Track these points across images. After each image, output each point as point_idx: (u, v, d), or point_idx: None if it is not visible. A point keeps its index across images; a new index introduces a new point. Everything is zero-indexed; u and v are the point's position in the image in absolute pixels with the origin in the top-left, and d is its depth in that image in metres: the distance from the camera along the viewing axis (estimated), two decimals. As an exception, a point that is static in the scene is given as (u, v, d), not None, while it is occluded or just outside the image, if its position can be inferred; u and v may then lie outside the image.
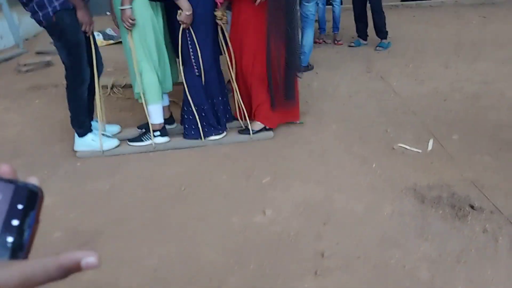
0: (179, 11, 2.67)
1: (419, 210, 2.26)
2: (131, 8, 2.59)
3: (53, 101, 3.90)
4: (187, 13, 2.65)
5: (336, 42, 5.73)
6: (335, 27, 5.70)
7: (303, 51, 4.52)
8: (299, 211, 2.29)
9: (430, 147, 2.90)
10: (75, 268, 0.38)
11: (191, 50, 2.81)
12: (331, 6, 5.71)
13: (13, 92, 4.20)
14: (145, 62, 2.76)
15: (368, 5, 5.31)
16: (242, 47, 2.95)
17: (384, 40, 5.37)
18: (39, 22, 2.63)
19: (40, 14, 2.57)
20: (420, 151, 2.86)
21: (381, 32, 5.38)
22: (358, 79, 4.34)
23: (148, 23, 2.67)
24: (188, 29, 2.74)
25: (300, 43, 3.74)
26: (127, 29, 2.64)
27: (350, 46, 5.57)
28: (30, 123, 3.51)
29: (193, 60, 2.84)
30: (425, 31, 6.13)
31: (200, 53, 2.81)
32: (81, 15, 2.64)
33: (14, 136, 3.30)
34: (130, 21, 2.61)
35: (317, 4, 4.60)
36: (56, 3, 2.55)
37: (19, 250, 0.39)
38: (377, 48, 5.33)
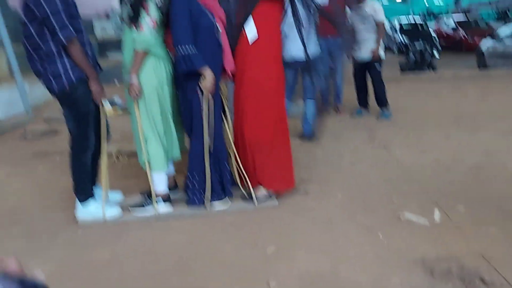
0: (202, 80, 2.74)
1: (428, 283, 2.17)
2: (138, 79, 2.69)
3: (57, 168, 3.92)
4: (210, 79, 2.74)
5: (339, 112, 5.83)
6: (337, 97, 5.82)
7: (306, 119, 4.65)
8: (304, 283, 2.21)
9: (436, 217, 2.86)
10: None
11: (206, 117, 2.86)
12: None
13: (17, 158, 4.24)
14: (150, 131, 2.82)
15: (369, 76, 5.52)
16: (243, 112, 3.01)
17: (385, 109, 5.49)
18: (52, 91, 2.71)
19: (54, 83, 2.65)
20: (427, 221, 2.81)
21: (382, 102, 5.53)
22: (361, 148, 4.39)
23: (153, 93, 2.76)
24: (207, 96, 2.82)
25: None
26: (134, 98, 2.73)
27: (352, 116, 5.70)
28: (31, 190, 3.51)
29: (207, 127, 2.88)
30: (425, 102, 6.29)
31: (215, 120, 2.88)
32: (94, 85, 2.73)
33: (14, 202, 3.28)
34: (137, 92, 2.70)
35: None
36: (71, 74, 2.64)
37: None
38: (380, 117, 5.45)
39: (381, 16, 5.30)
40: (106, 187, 3.02)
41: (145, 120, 2.80)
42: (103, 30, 10.82)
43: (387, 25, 20.28)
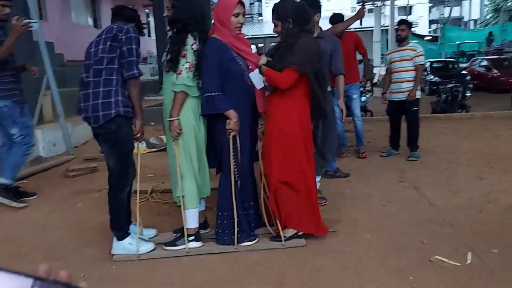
0: (227, 121, 2.90)
1: (461, 329, 2.13)
2: (178, 119, 2.86)
3: (95, 205, 4.09)
4: (235, 120, 2.89)
5: (360, 155, 5.66)
6: (359, 141, 5.72)
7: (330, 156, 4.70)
8: (332, 326, 2.21)
9: (469, 261, 2.80)
10: None
11: (233, 156, 2.98)
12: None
13: (58, 196, 4.45)
14: (186, 168, 2.96)
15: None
16: (270, 154, 3.10)
17: (415, 150, 5.47)
18: (96, 122, 2.84)
19: (101, 114, 2.82)
20: (458, 264, 2.76)
21: (414, 143, 5.50)
22: (391, 189, 4.37)
23: (191, 132, 2.92)
24: (234, 136, 2.95)
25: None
26: (174, 138, 2.89)
27: (381, 156, 5.68)
28: (70, 227, 3.66)
29: (234, 166, 3.00)
30: (456, 143, 6.23)
31: (241, 159, 2.99)
32: (140, 124, 2.94)
33: (54, 238, 3.43)
34: (177, 131, 2.86)
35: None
36: (121, 108, 2.84)
37: None
38: (410, 158, 5.41)
39: (421, 59, 5.34)
40: (140, 224, 3.13)
41: (182, 157, 2.95)
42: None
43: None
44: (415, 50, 5.31)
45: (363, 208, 3.84)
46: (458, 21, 37.06)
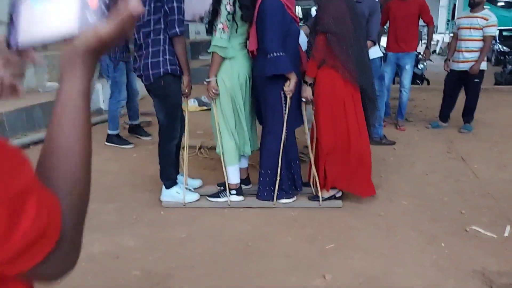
0: (287, 82, 2.97)
1: (485, 295, 2.18)
2: (215, 79, 2.99)
3: (149, 156, 4.38)
4: (295, 81, 2.96)
5: (398, 127, 5.43)
6: (400, 114, 5.49)
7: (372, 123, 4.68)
8: (358, 281, 2.33)
9: (506, 233, 2.80)
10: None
11: (285, 116, 3.07)
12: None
13: (117, 147, 4.79)
14: (224, 128, 3.12)
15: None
16: (319, 119, 3.16)
17: (469, 123, 5.29)
18: (147, 80, 3.04)
19: (151, 73, 3.01)
20: (495, 236, 2.77)
21: (469, 116, 5.28)
22: (437, 158, 4.32)
23: (225, 94, 3.03)
24: (286, 97, 3.04)
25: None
26: (210, 98, 3.03)
27: (426, 127, 5.48)
28: (125, 174, 3.98)
29: (284, 126, 3.09)
30: (515, 117, 5.94)
31: (289, 119, 3.09)
32: (187, 80, 3.09)
33: (110, 182, 3.75)
34: (214, 91, 3.00)
35: (381, 80, 4.73)
36: (168, 67, 2.99)
37: (107, 11, 0.57)
38: (462, 130, 5.24)
39: (492, 30, 4.99)
40: (186, 175, 3.36)
41: (220, 117, 3.10)
42: (197, 33, 11.54)
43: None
44: (487, 19, 4.89)
45: (404, 176, 3.86)
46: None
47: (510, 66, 9.41)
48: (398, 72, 5.40)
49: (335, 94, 3.08)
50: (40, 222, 0.48)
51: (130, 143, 4.83)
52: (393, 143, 4.80)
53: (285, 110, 3.08)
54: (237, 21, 2.93)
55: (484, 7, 5.08)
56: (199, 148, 4.59)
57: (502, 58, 12.48)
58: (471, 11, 5.05)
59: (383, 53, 4.99)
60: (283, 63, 2.92)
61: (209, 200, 3.30)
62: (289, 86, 2.98)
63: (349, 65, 3.00)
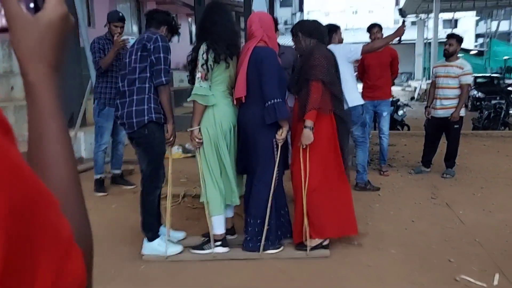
0: (280, 131, 2.99)
1: None
2: (198, 128, 2.98)
3: (129, 206, 4.26)
4: (287, 128, 2.99)
5: (382, 173, 5.43)
6: (382, 159, 5.52)
7: (356, 169, 4.81)
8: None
9: (496, 282, 2.74)
10: None
11: (276, 164, 3.06)
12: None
13: (96, 196, 4.66)
14: (208, 176, 3.07)
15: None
16: (303, 162, 3.15)
17: (451, 168, 5.34)
18: (130, 127, 3.02)
19: (135, 121, 2.99)
20: (485, 285, 2.71)
21: (452, 161, 5.32)
22: (422, 205, 4.31)
23: (208, 143, 3.02)
24: (277, 145, 3.04)
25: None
26: (194, 146, 3.01)
27: (409, 173, 5.47)
28: (105, 225, 3.83)
29: (275, 174, 3.06)
30: (496, 162, 6.03)
31: (278, 167, 3.07)
32: (171, 129, 3.08)
33: (90, 235, 3.60)
34: (197, 140, 2.99)
35: (364, 127, 4.82)
36: (153, 115, 2.98)
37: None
38: (444, 175, 5.27)
39: (468, 78, 5.16)
40: (169, 226, 3.25)
41: (204, 165, 3.07)
42: (181, 81, 11.68)
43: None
44: (462, 68, 5.06)
45: (391, 223, 3.81)
46: (507, 36, 35.70)
47: (486, 112, 9.70)
48: (376, 119, 5.51)
49: (325, 137, 3.12)
50: (81, 277, 0.43)
51: (103, 192, 4.75)
52: (378, 189, 4.80)
53: (277, 158, 3.06)
54: (215, 69, 2.96)
55: (458, 56, 5.29)
56: (183, 197, 4.49)
57: (478, 104, 12.88)
58: (447, 60, 5.24)
59: None
60: (283, 109, 2.96)
61: (193, 253, 3.18)
62: (282, 135, 2.99)
63: (339, 109, 3.17)
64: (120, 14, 4.48)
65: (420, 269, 2.94)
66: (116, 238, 3.56)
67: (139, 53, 2.98)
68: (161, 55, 2.93)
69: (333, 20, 7.80)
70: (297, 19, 41.62)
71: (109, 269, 3.01)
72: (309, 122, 3.03)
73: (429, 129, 5.46)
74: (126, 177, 5.17)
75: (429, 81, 19.92)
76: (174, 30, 3.31)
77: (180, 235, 3.42)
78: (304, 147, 3.08)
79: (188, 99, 3.00)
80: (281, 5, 38.70)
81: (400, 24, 4.74)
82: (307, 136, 3.03)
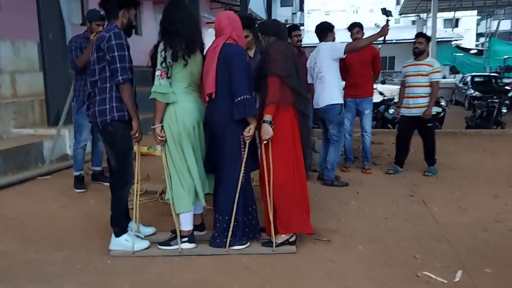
0: (247, 128, 3.01)
1: None
2: (161, 126, 3.00)
3: (106, 202, 4.23)
4: (254, 125, 3.02)
5: (364, 171, 5.48)
6: (365, 157, 5.54)
7: (325, 166, 4.91)
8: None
9: (457, 278, 2.75)
10: None
11: (244, 162, 3.08)
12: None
13: (75, 193, 4.70)
14: (174, 173, 3.08)
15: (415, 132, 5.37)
16: (267, 158, 3.16)
17: (431, 167, 5.34)
18: (96, 127, 3.09)
19: (99, 120, 3.03)
20: (445, 281, 2.71)
21: (431, 158, 5.34)
22: (399, 202, 4.31)
23: (170, 139, 3.03)
24: (245, 142, 3.06)
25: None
26: (157, 144, 3.03)
27: (387, 173, 5.43)
28: (79, 220, 3.87)
29: (242, 170, 3.08)
30: (480, 160, 6.03)
31: (245, 164, 3.09)
32: (136, 126, 3.08)
33: (62, 230, 3.64)
34: (159, 138, 3.01)
35: (340, 126, 4.85)
36: (115, 112, 3.01)
37: None
38: (426, 173, 5.28)
39: (438, 75, 5.19)
40: (137, 222, 3.27)
41: (170, 162, 3.09)
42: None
43: (457, 79, 19.72)
44: (432, 66, 5.11)
45: (364, 220, 3.82)
46: (508, 35, 35.52)
47: (479, 111, 9.68)
48: (359, 116, 5.52)
49: (287, 132, 3.14)
50: None
51: (82, 188, 4.79)
52: (346, 184, 4.88)
53: (244, 155, 3.08)
54: (174, 67, 2.97)
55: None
56: (160, 194, 4.51)
57: (474, 102, 12.85)
58: (416, 59, 5.26)
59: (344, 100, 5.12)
60: (252, 105, 2.98)
61: (160, 248, 3.19)
62: (249, 132, 3.01)
63: (300, 103, 3.19)
64: (101, 13, 4.49)
65: (383, 265, 2.95)
66: (89, 233, 3.59)
67: (95, 54, 2.99)
68: (116, 53, 2.92)
69: (334, 19, 7.79)
70: (297, 18, 41.69)
71: (77, 263, 3.04)
72: (267, 117, 3.04)
73: (401, 129, 5.47)
74: (106, 174, 5.19)
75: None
76: (135, 3, 3.15)
77: (149, 230, 3.44)
78: (265, 142, 3.09)
79: (149, 98, 3.00)
80: (282, 5, 38.72)
81: (390, 22, 4.71)
82: (266, 130, 3.04)
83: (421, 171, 5.40)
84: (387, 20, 4.69)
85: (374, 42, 4.93)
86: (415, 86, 5.19)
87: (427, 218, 3.84)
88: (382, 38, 4.75)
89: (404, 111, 5.34)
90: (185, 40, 2.92)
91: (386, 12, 4.79)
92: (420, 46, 5.17)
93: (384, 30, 4.61)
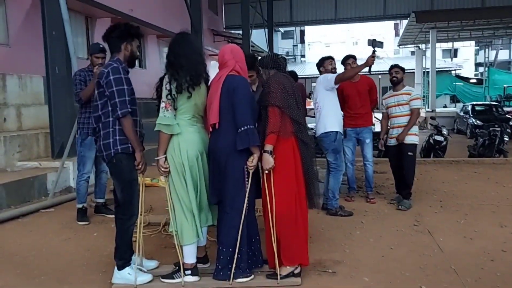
0: (251, 158, 3.03)
1: None
2: (164, 157, 3.03)
3: (110, 235, 4.23)
4: (258, 155, 3.03)
5: (368, 200, 5.41)
6: (369, 186, 5.50)
7: (328, 195, 4.91)
8: None
9: (466, 310, 2.69)
10: None
11: (247, 192, 3.08)
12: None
13: (78, 226, 4.68)
14: (178, 205, 3.09)
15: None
16: (269, 189, 3.15)
17: (405, 200, 5.15)
18: (103, 160, 3.16)
19: (104, 154, 3.08)
20: (454, 313, 2.66)
21: (406, 191, 5.18)
22: (404, 232, 4.27)
23: (174, 171, 3.05)
24: (248, 172, 3.07)
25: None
26: (160, 175, 3.06)
27: (391, 203, 5.36)
28: (82, 254, 3.83)
29: (246, 202, 3.08)
30: (484, 189, 5.99)
31: (249, 195, 3.08)
32: (139, 157, 3.10)
33: (64, 265, 3.60)
34: (163, 169, 3.03)
35: (336, 154, 4.86)
36: (118, 147, 3.05)
37: None
38: (400, 207, 5.06)
39: (417, 102, 5.21)
40: (141, 255, 3.25)
41: (173, 194, 3.10)
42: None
43: (458, 108, 19.82)
44: (409, 94, 5.16)
45: (369, 250, 3.77)
46: (506, 64, 35.95)
47: (481, 139, 9.69)
48: (359, 146, 5.55)
49: (288, 161, 3.16)
50: None
51: (85, 221, 4.77)
52: (350, 214, 4.84)
53: (248, 185, 3.08)
54: (178, 99, 3.02)
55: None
56: (164, 225, 4.49)
57: (476, 131, 12.89)
58: (394, 89, 5.31)
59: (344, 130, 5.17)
60: (255, 135, 3.01)
61: (162, 282, 3.15)
62: (253, 162, 3.02)
63: (300, 132, 3.22)
64: (101, 46, 4.57)
65: (390, 297, 2.90)
66: (90, 266, 3.55)
67: (96, 91, 3.08)
68: (114, 88, 2.98)
69: (334, 51, 7.94)
70: (298, 50, 42.44)
71: (79, 298, 3.00)
72: (268, 146, 3.07)
73: (391, 160, 5.43)
74: (110, 206, 5.18)
75: (429, 109, 20.06)
76: (137, 35, 3.22)
77: (152, 264, 3.40)
78: (267, 172, 3.10)
79: (154, 129, 3.04)
80: (283, 37, 39.50)
81: (382, 54, 4.83)
82: (267, 160, 3.06)
83: (424, 201, 5.37)
84: (373, 51, 4.82)
85: (373, 72, 5.02)
86: (397, 116, 5.19)
87: (433, 248, 3.79)
88: (367, 69, 4.86)
89: (389, 141, 5.30)
90: (190, 73, 3.00)
91: (372, 43, 4.91)
92: (397, 75, 5.22)
93: (369, 60, 4.74)
